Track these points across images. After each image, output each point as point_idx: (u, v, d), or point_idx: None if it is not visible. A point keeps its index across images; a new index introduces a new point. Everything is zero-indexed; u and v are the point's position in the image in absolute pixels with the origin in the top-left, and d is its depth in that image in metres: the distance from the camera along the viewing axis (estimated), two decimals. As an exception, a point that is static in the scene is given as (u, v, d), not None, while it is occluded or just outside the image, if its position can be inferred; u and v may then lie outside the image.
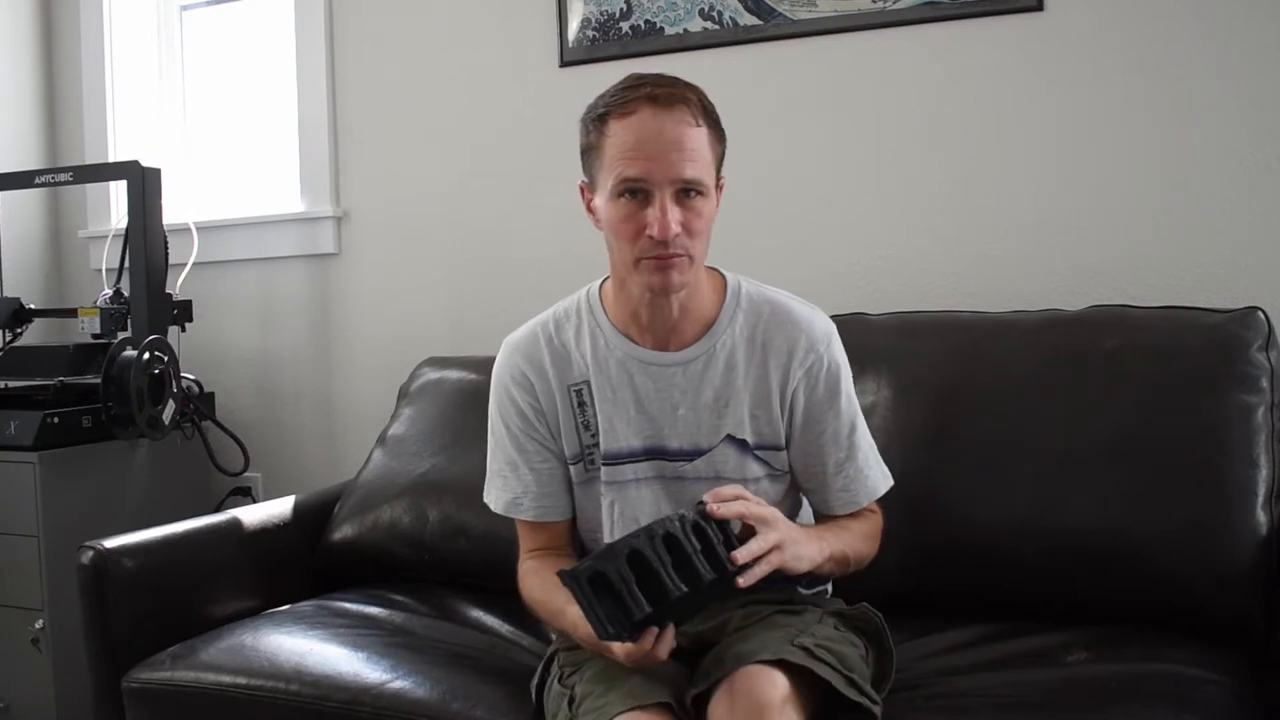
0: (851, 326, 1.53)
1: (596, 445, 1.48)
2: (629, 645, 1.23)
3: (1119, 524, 1.61)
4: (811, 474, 1.48)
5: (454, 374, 2.24)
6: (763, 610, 1.41)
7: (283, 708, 1.56)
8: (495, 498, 1.55)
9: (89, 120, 2.88)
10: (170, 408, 2.37)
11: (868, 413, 1.61)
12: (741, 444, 1.45)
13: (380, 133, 2.61)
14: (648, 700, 1.26)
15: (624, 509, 1.47)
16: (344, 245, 2.66)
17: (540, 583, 1.47)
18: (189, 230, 2.65)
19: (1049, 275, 2.04)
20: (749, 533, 1.26)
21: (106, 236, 2.73)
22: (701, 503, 1.26)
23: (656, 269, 1.36)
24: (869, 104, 2.19)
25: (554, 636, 1.54)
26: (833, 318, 1.53)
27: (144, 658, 1.70)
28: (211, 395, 2.64)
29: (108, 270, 2.67)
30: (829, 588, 1.57)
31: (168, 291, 2.53)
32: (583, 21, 2.38)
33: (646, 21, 2.32)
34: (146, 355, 2.30)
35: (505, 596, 1.74)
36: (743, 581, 1.23)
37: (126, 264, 2.51)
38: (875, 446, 1.52)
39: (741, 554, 1.23)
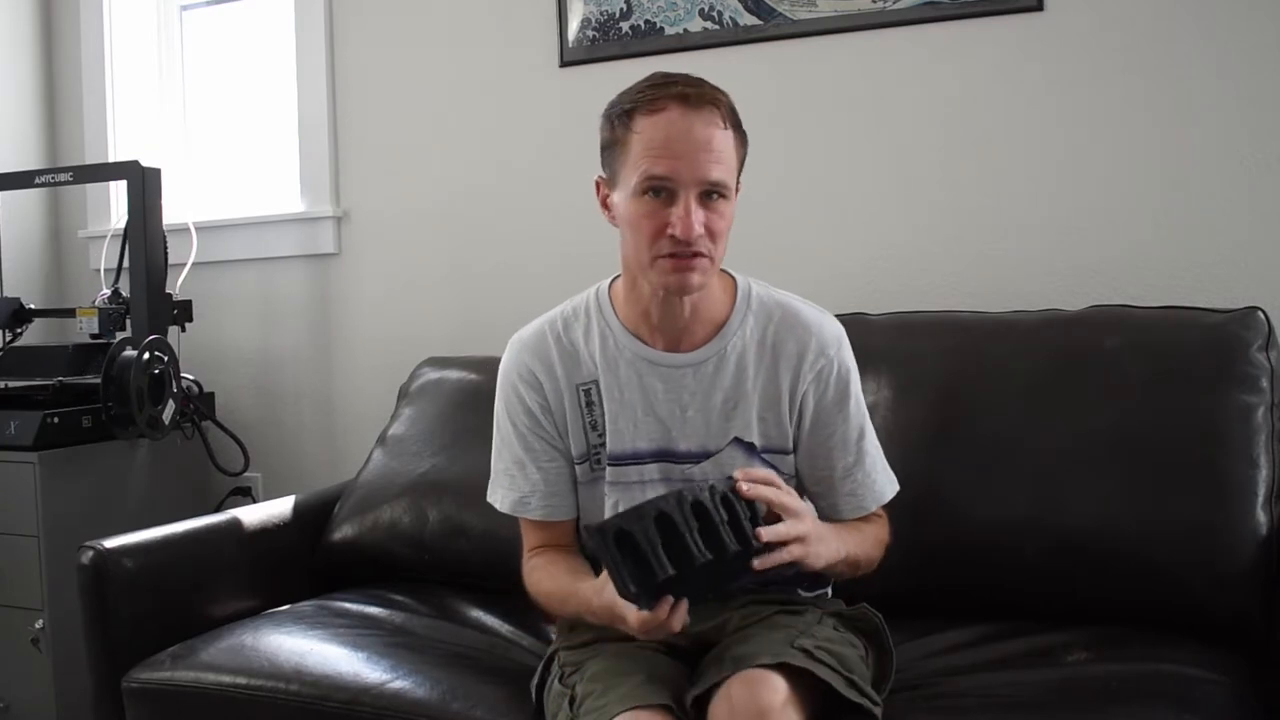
0: (851, 326, 1.53)
1: (603, 445, 1.48)
2: (644, 614, 1.22)
3: (1119, 524, 1.61)
4: (819, 478, 1.48)
5: (454, 374, 2.24)
6: (763, 611, 1.41)
7: (283, 708, 1.56)
8: (501, 497, 1.54)
9: (89, 120, 2.88)
10: (170, 408, 2.37)
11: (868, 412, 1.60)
12: (749, 447, 1.45)
13: (380, 133, 2.61)
14: (648, 701, 1.26)
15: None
16: (344, 245, 2.66)
17: (548, 575, 1.47)
18: (188, 230, 2.65)
19: (1049, 275, 2.04)
20: (774, 518, 1.25)
21: (106, 236, 2.73)
22: (732, 478, 1.25)
23: (675, 269, 1.35)
24: (869, 104, 2.19)
25: (554, 636, 1.54)
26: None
27: (144, 658, 1.70)
28: (211, 395, 2.64)
29: (106, 270, 2.67)
30: (829, 589, 1.57)
31: (168, 291, 2.53)
32: (583, 21, 2.38)
33: (646, 21, 2.32)
34: (146, 355, 2.30)
35: (505, 596, 1.75)
36: (758, 564, 1.22)
37: (125, 264, 2.51)
38: (881, 451, 1.51)
39: (766, 533, 1.22)
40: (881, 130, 2.18)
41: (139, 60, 2.92)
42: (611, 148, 1.39)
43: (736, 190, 1.40)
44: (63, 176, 2.59)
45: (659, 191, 1.33)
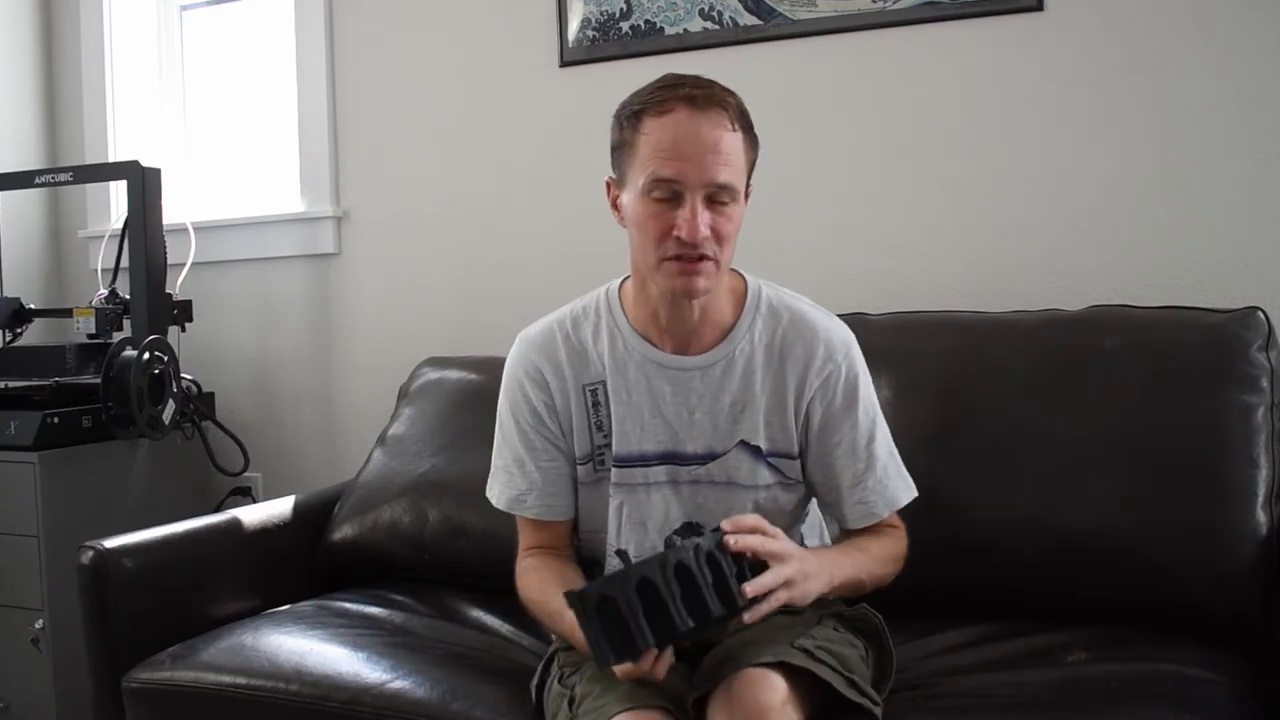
0: (851, 326, 1.52)
1: (608, 446, 1.47)
2: (627, 665, 1.22)
3: (1119, 524, 1.61)
4: (830, 486, 1.47)
5: (454, 374, 2.24)
6: (763, 610, 1.41)
7: (283, 708, 1.56)
8: (498, 493, 1.54)
9: (89, 120, 2.88)
10: (170, 408, 2.37)
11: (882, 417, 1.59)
12: (755, 450, 1.45)
13: (380, 133, 2.61)
14: (646, 702, 1.26)
15: (632, 511, 1.47)
16: (344, 245, 2.66)
17: (538, 582, 1.47)
18: (186, 230, 2.65)
19: (1049, 275, 2.04)
20: (763, 565, 1.25)
21: (105, 236, 2.73)
22: (719, 530, 1.24)
23: (681, 272, 1.34)
24: (869, 104, 2.19)
25: (554, 637, 1.53)
26: (833, 318, 1.52)
27: (144, 658, 1.70)
28: (211, 395, 2.64)
29: (103, 270, 2.67)
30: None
31: (168, 291, 2.53)
32: (583, 21, 2.38)
33: (646, 21, 2.32)
34: (146, 355, 2.30)
35: (505, 596, 1.74)
36: (749, 617, 1.22)
37: (123, 264, 2.51)
38: (898, 456, 1.50)
39: (751, 588, 1.22)
40: (882, 130, 2.18)
41: (139, 60, 2.92)
42: (620, 149, 1.39)
43: (747, 193, 1.39)
44: (63, 176, 2.60)
45: (665, 193, 1.33)
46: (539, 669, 1.49)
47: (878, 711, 1.32)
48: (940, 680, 1.47)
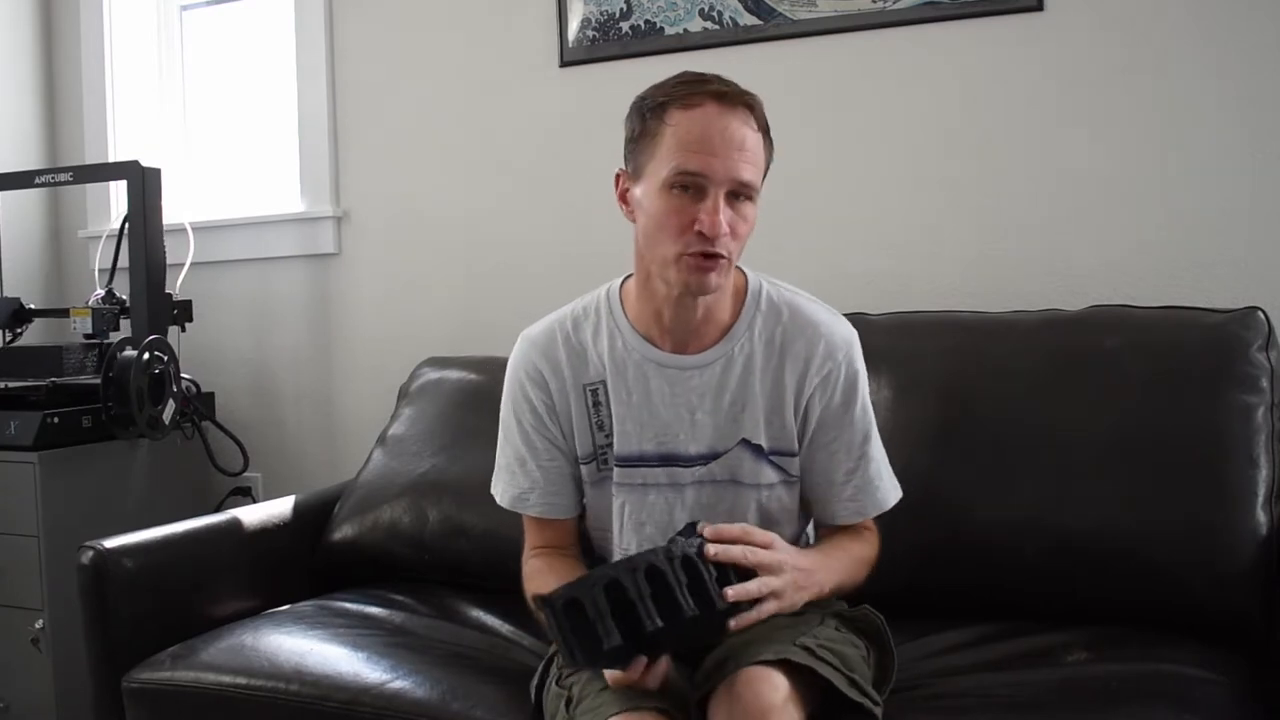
0: (851, 326, 1.52)
1: (610, 446, 1.47)
2: (617, 672, 1.23)
3: (1119, 524, 1.61)
4: (819, 482, 1.47)
5: (454, 374, 2.24)
6: (764, 611, 1.41)
7: (283, 708, 1.56)
8: (502, 491, 1.54)
9: (89, 120, 2.88)
10: (170, 408, 2.37)
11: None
12: (756, 449, 1.45)
13: (380, 132, 2.61)
14: (644, 704, 1.25)
15: (634, 511, 1.47)
16: (344, 245, 2.66)
17: (542, 584, 1.46)
18: (185, 231, 2.65)
19: (1049, 275, 2.04)
20: (750, 572, 1.25)
21: (104, 236, 2.73)
22: (702, 538, 1.24)
23: (696, 267, 1.34)
24: (869, 104, 2.19)
25: (554, 637, 1.54)
26: (833, 318, 1.52)
27: (144, 658, 1.70)
28: (211, 395, 2.64)
29: (100, 270, 2.67)
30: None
31: (167, 291, 2.53)
32: (583, 21, 2.38)
33: (646, 21, 2.32)
34: (147, 355, 2.30)
35: (505, 596, 1.74)
36: (734, 625, 1.22)
37: (120, 264, 2.51)
38: (887, 459, 1.50)
39: (734, 592, 1.21)
40: (882, 130, 2.18)
41: (139, 60, 2.92)
42: (639, 140, 1.38)
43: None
44: (63, 176, 2.59)
45: (688, 187, 1.33)
46: (539, 669, 1.49)
47: (878, 711, 1.32)
48: (940, 680, 1.47)
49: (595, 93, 2.35)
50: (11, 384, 2.37)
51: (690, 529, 1.30)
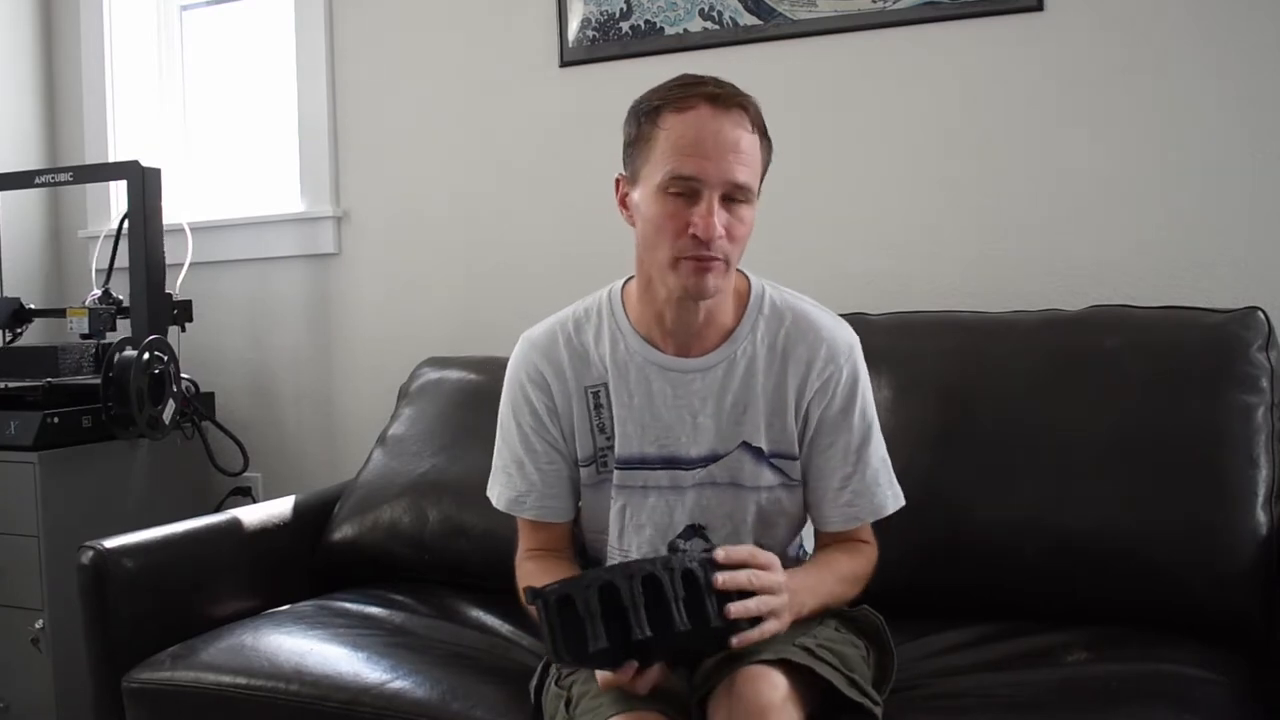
0: (852, 326, 1.52)
1: (610, 448, 1.47)
2: (607, 674, 1.22)
3: (1119, 524, 1.61)
4: (817, 486, 1.47)
5: (454, 374, 2.24)
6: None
7: (283, 708, 1.56)
8: (498, 494, 1.54)
9: (89, 120, 2.88)
10: (170, 408, 2.37)
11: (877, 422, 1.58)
12: (757, 451, 1.44)
13: (380, 133, 2.61)
14: (642, 705, 1.25)
15: (634, 514, 1.47)
16: (344, 245, 2.66)
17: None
18: (183, 231, 2.64)
19: (1049, 275, 2.04)
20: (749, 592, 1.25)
21: (102, 236, 2.73)
22: (710, 558, 1.23)
23: (694, 271, 1.34)
24: (869, 104, 2.19)
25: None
26: (832, 318, 1.52)
27: (144, 658, 1.70)
28: (211, 395, 2.64)
29: (98, 270, 2.67)
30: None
31: (167, 291, 2.53)
32: (583, 21, 2.38)
33: (646, 21, 2.32)
34: (147, 355, 2.30)
35: (505, 596, 1.74)
36: (735, 642, 1.22)
37: (118, 265, 2.51)
38: (889, 465, 1.49)
39: (736, 608, 1.21)
40: (882, 130, 2.18)
41: (139, 60, 2.92)
42: (636, 144, 1.38)
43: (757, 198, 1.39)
44: (63, 176, 2.60)
45: (683, 191, 1.32)
46: (538, 670, 1.49)
47: (878, 711, 1.32)
48: (940, 680, 1.47)
49: (595, 93, 2.35)
50: (11, 384, 2.37)
51: (691, 531, 1.30)
